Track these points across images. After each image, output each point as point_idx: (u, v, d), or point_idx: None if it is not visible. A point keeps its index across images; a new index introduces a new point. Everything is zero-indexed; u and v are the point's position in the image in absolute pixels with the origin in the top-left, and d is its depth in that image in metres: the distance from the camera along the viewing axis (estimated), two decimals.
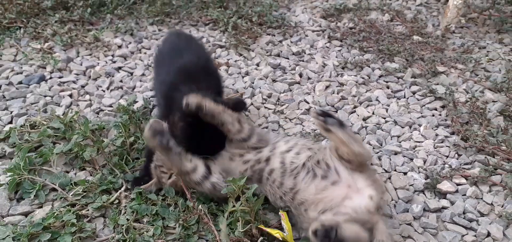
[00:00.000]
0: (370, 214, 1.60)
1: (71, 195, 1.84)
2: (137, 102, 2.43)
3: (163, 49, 2.36)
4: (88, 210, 1.79)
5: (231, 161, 1.86)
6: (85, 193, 1.85)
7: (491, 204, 1.96)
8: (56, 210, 1.76)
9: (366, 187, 1.66)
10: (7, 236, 1.64)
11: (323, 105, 2.54)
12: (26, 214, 1.78)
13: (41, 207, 1.82)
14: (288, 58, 2.99)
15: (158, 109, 2.20)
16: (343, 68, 2.91)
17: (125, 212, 1.78)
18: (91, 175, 1.97)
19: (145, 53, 2.96)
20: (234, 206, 1.65)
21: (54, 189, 1.87)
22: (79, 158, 2.02)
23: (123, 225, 1.71)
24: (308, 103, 2.55)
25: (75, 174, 1.98)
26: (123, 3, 3.39)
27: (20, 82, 2.56)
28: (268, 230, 1.65)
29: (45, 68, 2.71)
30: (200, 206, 1.74)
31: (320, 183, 1.69)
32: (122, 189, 1.88)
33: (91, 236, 1.69)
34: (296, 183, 1.72)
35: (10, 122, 2.26)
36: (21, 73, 2.64)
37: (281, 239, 1.62)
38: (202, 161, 1.82)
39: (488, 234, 1.81)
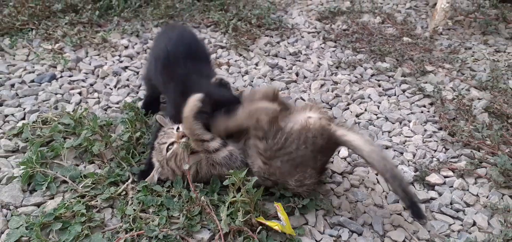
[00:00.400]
0: None
1: (81, 187, 1.83)
2: (142, 99, 2.43)
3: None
4: (97, 201, 1.78)
5: None
6: (94, 185, 1.85)
7: (477, 195, 1.96)
8: (67, 201, 1.76)
9: None
10: (21, 225, 1.64)
11: (318, 102, 2.53)
12: (38, 205, 1.78)
13: (52, 198, 1.81)
14: (285, 58, 2.98)
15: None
16: (337, 67, 2.90)
17: (132, 203, 1.78)
18: (99, 168, 1.96)
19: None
20: (234, 196, 1.65)
21: (64, 181, 1.87)
22: (88, 152, 2.01)
23: (130, 215, 1.71)
24: (304, 100, 2.55)
25: (85, 167, 1.97)
26: (129, 6, 3.38)
27: (32, 81, 2.55)
28: (267, 223, 1.64)
29: (56, 67, 2.69)
30: (202, 197, 1.73)
31: None
32: (129, 181, 1.88)
33: (100, 225, 1.69)
34: None
35: (23, 118, 2.25)
36: (33, 72, 2.62)
37: (280, 230, 1.62)
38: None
39: (474, 223, 1.82)
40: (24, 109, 2.31)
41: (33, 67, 2.67)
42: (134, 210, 1.73)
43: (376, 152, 1.69)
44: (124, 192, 1.84)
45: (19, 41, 2.91)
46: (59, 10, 3.19)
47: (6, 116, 2.25)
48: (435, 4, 3.49)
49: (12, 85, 2.49)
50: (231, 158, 1.78)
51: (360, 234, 1.75)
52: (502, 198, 1.94)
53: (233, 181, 1.63)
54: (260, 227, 1.63)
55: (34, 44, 2.90)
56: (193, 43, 2.26)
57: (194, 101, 1.73)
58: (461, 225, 1.81)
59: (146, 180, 1.84)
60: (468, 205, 1.91)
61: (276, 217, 1.70)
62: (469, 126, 2.33)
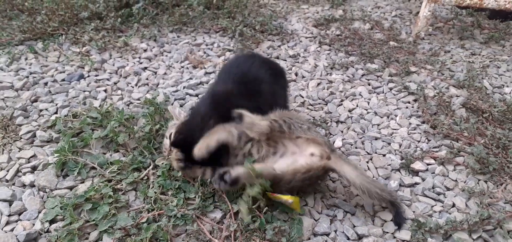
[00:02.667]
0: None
1: (108, 172, 1.84)
2: (158, 95, 2.43)
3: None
4: (122, 184, 1.80)
5: None
6: (119, 171, 1.86)
7: (456, 180, 1.97)
8: (96, 184, 1.77)
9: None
10: (56, 205, 1.66)
11: (315, 99, 2.54)
12: (71, 188, 1.79)
13: (83, 182, 1.83)
14: (285, 60, 2.99)
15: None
16: (331, 68, 2.91)
17: (153, 187, 1.79)
18: (124, 156, 1.97)
19: (166, 55, 2.95)
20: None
21: (93, 168, 1.88)
22: (113, 142, 2.03)
23: (151, 197, 1.72)
24: (303, 97, 2.55)
25: (111, 155, 1.98)
26: (147, 14, 3.39)
27: (63, 80, 2.56)
28: (279, 196, 1.64)
29: (83, 68, 2.70)
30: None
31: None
32: (150, 167, 1.89)
33: (125, 206, 1.71)
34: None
35: (56, 113, 2.26)
36: (64, 72, 2.63)
37: (291, 201, 1.62)
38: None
39: (453, 205, 1.83)
40: (56, 104, 2.32)
41: (64, 67, 2.68)
42: (155, 192, 1.74)
43: (366, 182, 1.68)
44: (146, 177, 1.85)
45: (51, 45, 2.91)
46: (85, 18, 3.19)
47: (41, 110, 2.26)
48: (418, 12, 3.48)
49: (46, 84, 2.50)
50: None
51: (353, 214, 1.76)
52: (478, 183, 1.95)
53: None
54: (266, 208, 1.64)
55: (64, 48, 2.91)
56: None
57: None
58: (442, 206, 1.82)
59: None
60: (448, 189, 1.92)
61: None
62: (448, 120, 2.34)
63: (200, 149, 1.65)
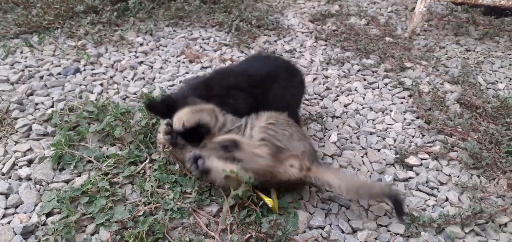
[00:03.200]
0: None
1: (104, 166, 1.85)
2: (155, 90, 2.44)
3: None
4: (118, 178, 1.81)
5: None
6: (116, 165, 1.86)
7: (449, 175, 2.00)
8: (92, 178, 1.78)
9: None
10: (53, 198, 1.67)
11: (311, 94, 2.55)
12: (67, 181, 1.80)
13: (79, 175, 1.83)
14: (282, 55, 3.00)
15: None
16: (327, 63, 2.92)
17: (149, 180, 1.80)
18: (120, 150, 1.98)
19: (162, 49, 2.95)
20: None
21: (90, 161, 1.89)
22: (110, 136, 2.03)
23: (148, 190, 1.73)
24: None
25: (107, 149, 1.99)
26: (143, 8, 3.38)
27: (59, 73, 2.55)
28: (262, 196, 1.67)
29: (79, 61, 2.70)
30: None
31: None
32: (147, 161, 1.89)
33: (121, 199, 1.71)
34: None
35: (52, 106, 2.26)
36: (59, 65, 2.63)
37: (270, 206, 1.65)
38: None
39: (446, 199, 1.86)
40: (52, 98, 2.32)
41: (59, 61, 2.67)
42: (152, 186, 1.75)
43: (353, 183, 1.68)
44: (142, 171, 1.86)
45: (46, 38, 2.90)
46: (81, 11, 3.18)
47: (36, 104, 2.26)
48: (414, 8, 3.50)
49: (41, 77, 2.49)
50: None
51: (348, 208, 1.78)
52: (471, 177, 1.98)
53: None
54: (262, 201, 1.66)
55: (59, 41, 2.89)
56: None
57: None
58: (436, 200, 1.85)
59: None
60: (441, 184, 1.95)
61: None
62: (443, 116, 2.37)
63: (178, 120, 1.65)
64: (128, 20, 3.23)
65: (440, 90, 2.61)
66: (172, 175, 1.81)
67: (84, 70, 2.62)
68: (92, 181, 1.74)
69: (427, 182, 1.95)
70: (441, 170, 2.02)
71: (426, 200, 1.85)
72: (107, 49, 2.89)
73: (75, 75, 2.56)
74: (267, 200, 1.66)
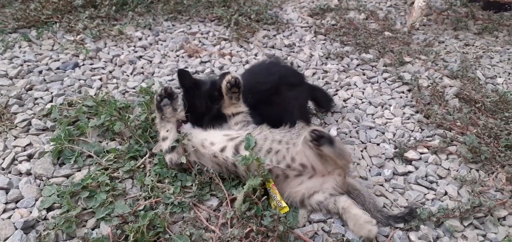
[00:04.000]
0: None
1: (104, 160, 1.85)
2: (154, 84, 2.43)
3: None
4: (119, 173, 1.81)
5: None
6: (116, 159, 1.87)
7: (448, 169, 2.00)
8: (93, 173, 1.78)
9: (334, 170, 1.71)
10: (53, 193, 1.67)
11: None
12: (67, 176, 1.80)
13: (79, 170, 1.83)
14: (281, 49, 3.00)
15: None
16: (327, 58, 2.92)
17: (149, 175, 1.80)
18: (120, 145, 1.98)
19: (161, 44, 2.95)
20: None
21: (90, 156, 1.89)
22: (109, 131, 2.03)
23: (148, 185, 1.74)
24: None
25: (107, 143, 1.99)
26: (142, 2, 3.37)
27: (58, 68, 2.55)
28: (276, 191, 1.66)
29: (78, 56, 2.69)
30: (212, 170, 1.76)
31: (295, 181, 1.70)
32: (147, 156, 1.90)
33: (122, 194, 1.72)
34: None
35: (51, 101, 2.26)
36: (58, 60, 2.62)
37: (282, 205, 1.64)
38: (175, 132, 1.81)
39: (445, 193, 1.87)
40: (51, 93, 2.31)
41: (58, 56, 2.67)
42: (152, 180, 1.75)
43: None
44: (142, 165, 1.86)
45: (45, 33, 2.90)
46: (79, 6, 3.17)
47: (36, 99, 2.26)
48: (413, 2, 3.50)
49: (40, 72, 2.49)
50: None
51: None
52: (470, 171, 1.99)
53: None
54: (264, 197, 1.67)
55: (58, 36, 2.89)
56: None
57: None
58: (435, 194, 1.86)
59: None
60: (440, 178, 1.95)
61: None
62: (442, 110, 2.37)
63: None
64: (127, 15, 3.23)
65: (439, 84, 2.62)
66: (172, 170, 1.81)
67: (83, 64, 2.62)
68: (92, 176, 1.74)
69: (426, 176, 1.96)
70: (440, 164, 2.03)
71: (425, 194, 1.85)
72: (106, 43, 2.88)
73: (74, 69, 2.55)
74: (281, 200, 1.65)
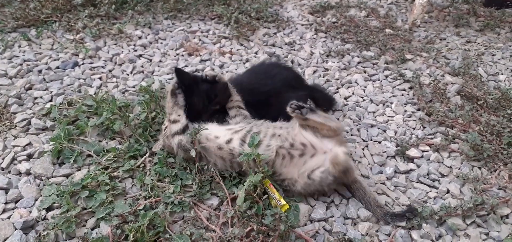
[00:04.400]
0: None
1: (104, 160, 1.84)
2: (154, 83, 2.42)
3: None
4: (118, 172, 1.80)
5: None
6: (115, 159, 1.86)
7: (450, 167, 1.99)
8: (92, 172, 1.77)
9: (335, 146, 1.72)
10: (53, 193, 1.66)
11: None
12: (67, 176, 1.79)
13: (79, 170, 1.83)
14: (281, 48, 2.98)
15: None
16: (327, 56, 2.91)
17: (149, 174, 1.79)
18: (120, 144, 1.97)
19: (161, 43, 2.94)
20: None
21: (89, 155, 1.88)
22: (109, 130, 2.02)
23: (148, 184, 1.73)
24: None
25: (107, 143, 1.98)
26: (142, 0, 3.36)
27: (57, 67, 2.54)
28: (274, 190, 1.66)
29: (78, 55, 2.68)
30: (212, 169, 1.75)
31: (299, 161, 1.72)
32: (147, 155, 1.89)
33: (122, 193, 1.71)
34: (275, 170, 1.72)
35: (51, 101, 2.25)
36: (58, 59, 2.61)
37: (281, 203, 1.63)
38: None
39: (448, 191, 1.85)
40: (51, 92, 2.31)
41: (58, 55, 2.66)
42: (152, 180, 1.75)
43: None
44: (142, 165, 1.85)
45: (44, 32, 2.89)
46: (79, 4, 3.16)
47: (35, 98, 2.25)
48: (414, 0, 3.49)
49: (40, 71, 2.48)
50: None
51: (349, 199, 1.77)
52: (472, 169, 1.97)
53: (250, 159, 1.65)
54: (266, 195, 1.66)
55: (57, 35, 2.88)
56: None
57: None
58: (437, 192, 1.84)
59: None
60: (442, 176, 1.94)
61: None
62: (443, 107, 2.36)
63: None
64: (127, 13, 3.22)
65: (441, 82, 2.60)
66: (172, 169, 1.80)
67: (83, 64, 2.61)
68: (92, 175, 1.73)
69: (428, 174, 1.94)
70: (442, 162, 2.01)
71: (427, 192, 1.84)
72: (105, 42, 2.87)
73: (73, 69, 2.54)
74: (280, 197, 1.65)
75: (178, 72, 1.90)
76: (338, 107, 2.37)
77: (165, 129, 1.87)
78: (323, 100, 2.31)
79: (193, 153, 1.72)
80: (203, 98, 1.89)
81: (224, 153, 1.73)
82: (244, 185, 1.61)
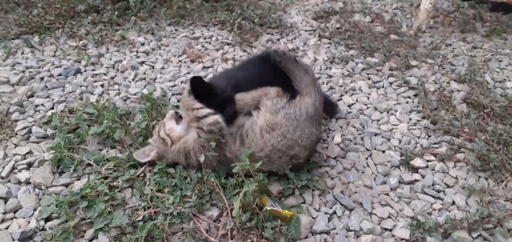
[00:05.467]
0: None
1: (104, 169, 1.82)
2: (155, 91, 2.41)
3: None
4: (118, 182, 1.78)
5: None
6: (115, 168, 1.84)
7: (456, 177, 1.95)
8: (92, 182, 1.75)
9: None
10: (51, 203, 1.64)
11: None
12: (66, 185, 1.77)
13: (79, 179, 1.81)
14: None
15: None
16: (331, 62, 2.88)
17: (149, 184, 1.77)
18: (120, 153, 1.95)
19: (164, 49, 2.92)
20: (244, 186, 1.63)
21: (89, 164, 1.86)
22: (110, 138, 2.00)
23: (148, 194, 1.70)
24: None
25: (107, 151, 1.96)
26: (145, 7, 3.35)
27: (60, 74, 2.53)
28: (278, 211, 1.62)
29: (80, 62, 2.67)
30: (212, 179, 1.73)
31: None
32: (147, 164, 1.86)
33: (121, 203, 1.69)
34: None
35: (52, 108, 2.24)
36: (60, 66, 2.61)
37: (286, 215, 1.61)
38: None
39: (453, 203, 1.81)
40: (52, 99, 2.30)
41: (60, 62, 2.66)
42: (151, 190, 1.72)
43: None
44: (142, 174, 1.83)
45: (47, 39, 2.89)
46: (82, 11, 3.16)
47: (36, 106, 2.24)
48: (419, 5, 3.45)
49: (42, 78, 2.48)
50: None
51: (351, 211, 1.74)
52: (478, 180, 1.93)
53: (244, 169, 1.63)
54: (265, 208, 1.63)
55: (60, 42, 2.88)
56: None
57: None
58: (442, 204, 1.81)
59: None
60: (448, 186, 1.90)
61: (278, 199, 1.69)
62: (449, 115, 2.32)
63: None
64: (130, 20, 3.21)
65: (447, 89, 2.56)
66: (172, 179, 1.78)
67: (85, 71, 2.60)
68: (91, 185, 1.71)
69: (433, 185, 1.90)
70: (448, 173, 1.97)
71: (432, 204, 1.80)
72: (108, 49, 2.86)
73: (75, 76, 2.53)
74: (284, 212, 1.62)
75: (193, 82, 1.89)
76: (341, 114, 2.34)
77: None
78: (325, 106, 2.28)
79: (201, 158, 1.71)
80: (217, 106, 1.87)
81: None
82: (239, 196, 1.58)
